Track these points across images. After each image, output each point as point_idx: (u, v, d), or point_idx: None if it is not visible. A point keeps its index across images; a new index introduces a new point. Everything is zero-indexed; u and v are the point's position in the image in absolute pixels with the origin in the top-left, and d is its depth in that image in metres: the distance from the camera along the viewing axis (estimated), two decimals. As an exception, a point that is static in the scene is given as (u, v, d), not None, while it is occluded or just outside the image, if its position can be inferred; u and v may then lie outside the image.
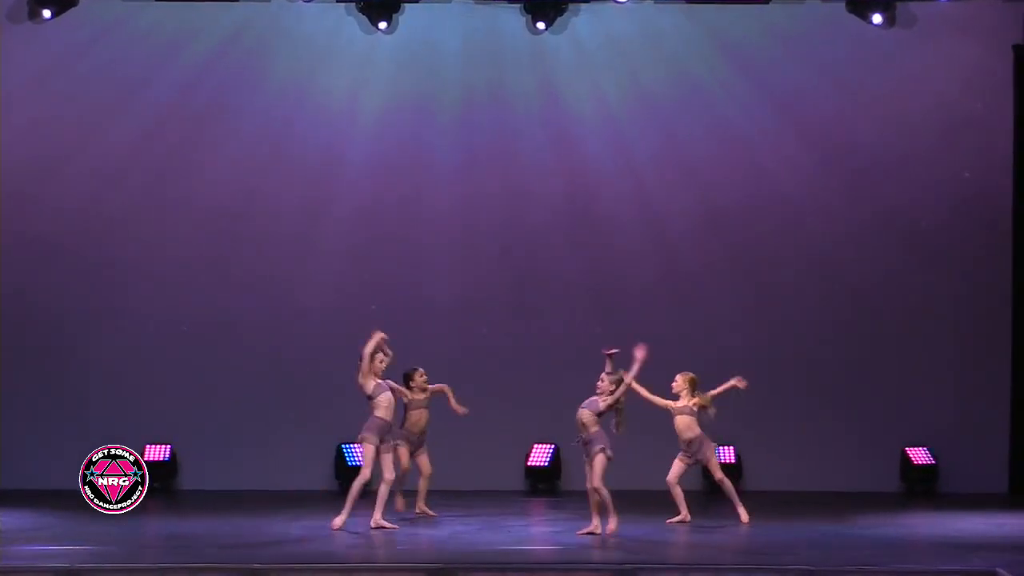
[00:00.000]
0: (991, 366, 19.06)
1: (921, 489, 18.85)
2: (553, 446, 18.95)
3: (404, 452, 15.94)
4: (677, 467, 15.69)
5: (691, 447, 15.67)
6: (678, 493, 15.63)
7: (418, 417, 16.08)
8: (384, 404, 14.90)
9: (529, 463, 18.95)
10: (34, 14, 18.57)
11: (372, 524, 14.80)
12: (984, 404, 19.06)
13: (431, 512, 16.10)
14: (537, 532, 15.53)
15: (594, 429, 14.62)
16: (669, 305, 19.17)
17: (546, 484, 18.91)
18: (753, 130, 19.18)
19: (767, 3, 18.88)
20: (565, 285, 19.20)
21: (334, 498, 16.17)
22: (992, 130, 19.10)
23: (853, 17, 18.83)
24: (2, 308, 18.75)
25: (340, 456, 18.50)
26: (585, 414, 14.68)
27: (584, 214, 19.23)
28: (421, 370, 16.17)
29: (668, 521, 15.40)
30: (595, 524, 14.51)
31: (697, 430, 15.64)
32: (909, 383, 19.12)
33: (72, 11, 18.55)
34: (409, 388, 16.05)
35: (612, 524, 14.47)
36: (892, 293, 19.20)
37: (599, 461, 14.50)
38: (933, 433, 19.02)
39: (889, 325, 19.17)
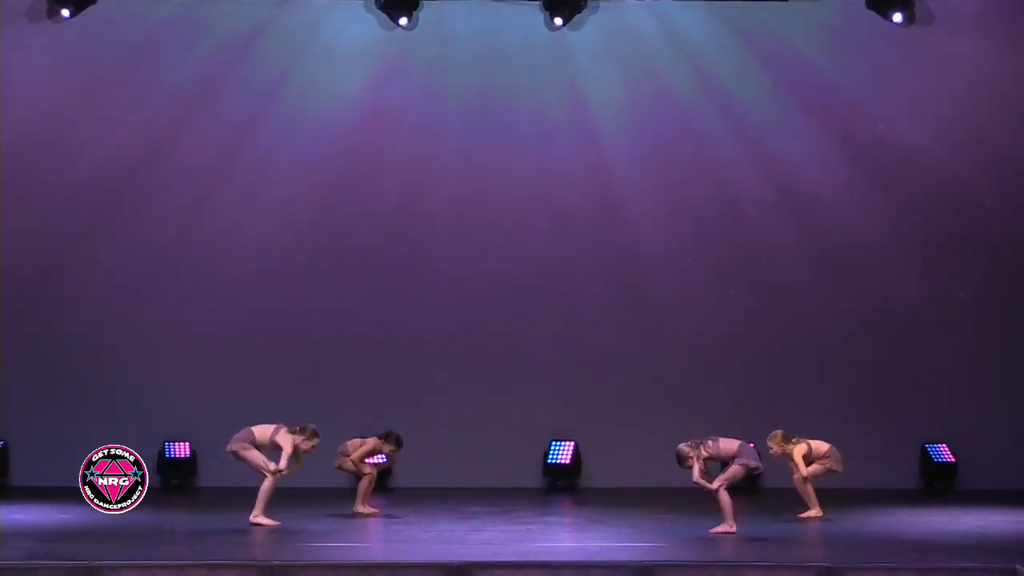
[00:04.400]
0: (1011, 363, 19.04)
1: (940, 486, 18.83)
2: (574, 443, 18.94)
3: (347, 462, 16.04)
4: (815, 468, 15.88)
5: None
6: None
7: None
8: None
9: (549, 460, 18.93)
10: (52, 13, 18.63)
11: (252, 520, 14.85)
12: (1004, 401, 19.03)
13: (372, 509, 16.19)
14: (556, 529, 15.53)
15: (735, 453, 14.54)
16: (689, 300, 19.17)
17: (565, 481, 18.89)
18: (773, 127, 19.16)
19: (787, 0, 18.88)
20: (584, 280, 19.19)
21: (351, 495, 16.19)
22: (1013, 127, 19.05)
23: (873, 14, 18.80)
24: (23, 307, 18.80)
25: (359, 453, 18.53)
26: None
27: (603, 210, 19.22)
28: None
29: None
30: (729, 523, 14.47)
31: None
32: (928, 380, 19.10)
33: (89, 9, 18.58)
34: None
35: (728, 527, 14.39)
36: (912, 290, 19.17)
37: (734, 469, 14.36)
38: (952, 430, 19.00)
39: (908, 322, 19.14)
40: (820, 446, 15.96)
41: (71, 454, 17.99)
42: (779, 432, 15.87)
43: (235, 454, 15.01)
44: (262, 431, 15.03)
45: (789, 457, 15.84)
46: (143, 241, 19.04)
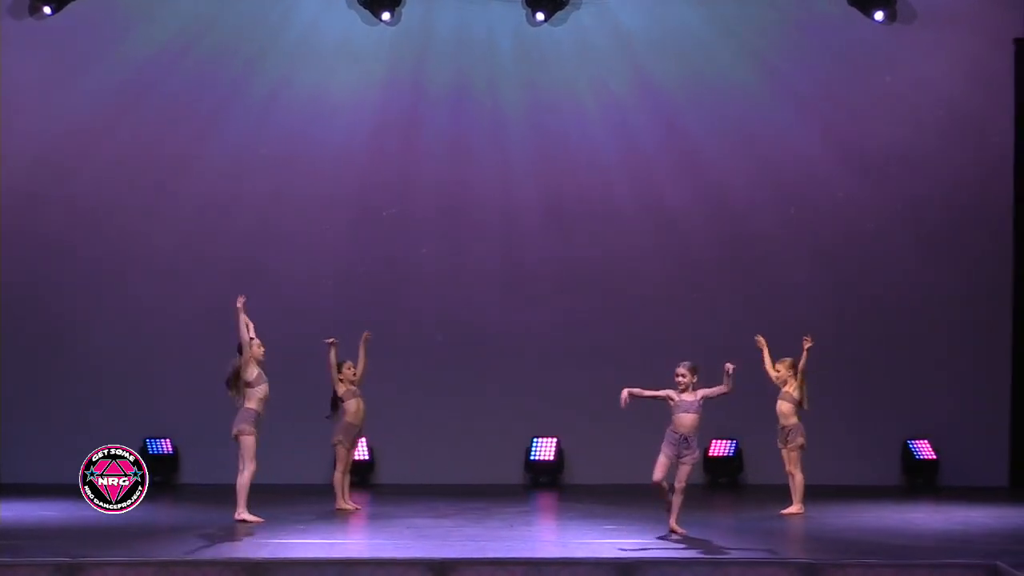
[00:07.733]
0: (992, 360, 19.09)
1: (922, 482, 18.89)
2: (556, 439, 18.95)
3: (343, 451, 15.98)
4: (789, 456, 15.89)
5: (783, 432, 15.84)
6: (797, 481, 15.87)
7: (356, 406, 16.09)
8: (259, 396, 14.98)
9: (532, 457, 18.93)
10: (35, 10, 18.60)
11: (236, 517, 14.80)
12: (985, 398, 19.09)
13: (355, 505, 16.16)
14: (539, 526, 15.53)
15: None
16: (672, 298, 19.20)
17: (548, 477, 18.91)
18: (757, 123, 19.20)
19: (769, -5, 18.95)
20: (567, 276, 19.21)
21: (333, 491, 16.19)
22: (992, 125, 19.10)
23: (855, 11, 18.84)
24: (5, 304, 18.77)
25: (342, 450, 18.52)
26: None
27: (586, 206, 19.24)
28: (349, 363, 16.19)
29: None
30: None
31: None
32: (911, 377, 19.14)
33: (72, 6, 18.55)
34: (339, 381, 16.08)
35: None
36: (894, 288, 19.22)
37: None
38: (934, 427, 19.05)
39: (891, 320, 19.19)
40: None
41: (54, 451, 18.05)
42: (789, 360, 15.89)
43: (236, 439, 14.98)
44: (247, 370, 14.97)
45: (793, 376, 15.85)
46: (125, 239, 19.01)
